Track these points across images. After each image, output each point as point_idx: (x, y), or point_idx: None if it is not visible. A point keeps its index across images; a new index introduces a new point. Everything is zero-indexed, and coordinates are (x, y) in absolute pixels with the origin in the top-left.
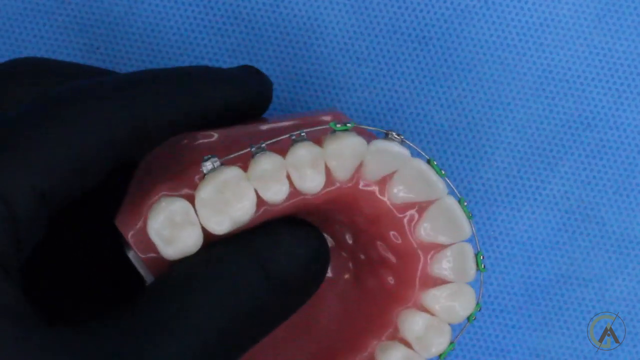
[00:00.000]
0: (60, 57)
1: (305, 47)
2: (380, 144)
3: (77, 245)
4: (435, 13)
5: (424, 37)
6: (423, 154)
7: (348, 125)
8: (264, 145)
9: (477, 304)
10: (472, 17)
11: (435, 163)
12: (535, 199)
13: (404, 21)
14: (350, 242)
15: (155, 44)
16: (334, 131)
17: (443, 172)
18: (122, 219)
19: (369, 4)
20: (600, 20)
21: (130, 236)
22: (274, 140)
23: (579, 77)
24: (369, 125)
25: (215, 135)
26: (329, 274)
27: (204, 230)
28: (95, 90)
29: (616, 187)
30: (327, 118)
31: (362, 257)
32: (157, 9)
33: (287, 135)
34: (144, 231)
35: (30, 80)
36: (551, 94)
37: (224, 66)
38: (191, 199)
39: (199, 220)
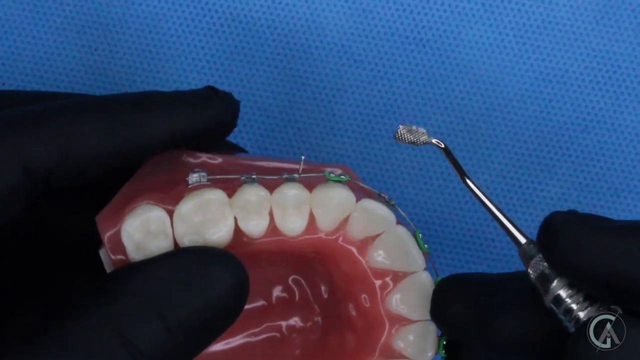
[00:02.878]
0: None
1: (303, 49)
2: (368, 203)
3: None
4: (433, 15)
5: (421, 40)
6: (411, 224)
7: (342, 177)
8: (254, 176)
9: None
10: (469, 20)
11: (420, 236)
12: (533, 201)
13: (402, 23)
14: (325, 296)
15: (152, 45)
16: (328, 180)
17: (426, 247)
18: (103, 218)
19: (367, 6)
20: (597, 23)
21: (106, 236)
22: (269, 176)
23: (576, 79)
24: (366, 181)
25: (219, 159)
26: (300, 322)
27: (176, 244)
28: (10, 121)
29: (613, 190)
30: (333, 170)
31: (333, 314)
32: (154, 10)
33: (279, 176)
34: (119, 233)
35: None
36: (548, 96)
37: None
38: (172, 213)
39: (174, 234)
